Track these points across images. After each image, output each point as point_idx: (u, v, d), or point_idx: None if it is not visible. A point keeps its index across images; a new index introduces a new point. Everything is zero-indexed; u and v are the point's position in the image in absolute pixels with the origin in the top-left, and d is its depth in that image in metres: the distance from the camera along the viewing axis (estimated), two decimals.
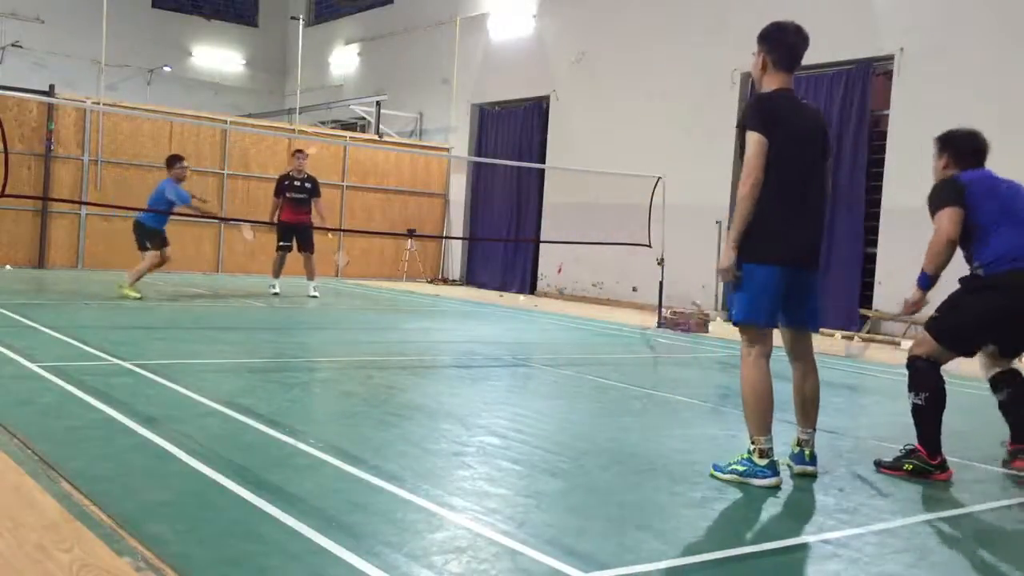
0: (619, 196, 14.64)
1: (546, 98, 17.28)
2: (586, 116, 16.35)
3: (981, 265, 4.80)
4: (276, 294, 12.89)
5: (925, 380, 4.72)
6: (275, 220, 12.90)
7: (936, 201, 4.85)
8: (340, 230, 17.67)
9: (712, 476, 4.21)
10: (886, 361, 9.64)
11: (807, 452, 4.41)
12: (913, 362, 4.80)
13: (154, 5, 24.13)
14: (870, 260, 12.54)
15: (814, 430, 4.45)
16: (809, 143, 4.32)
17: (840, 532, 3.50)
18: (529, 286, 17.53)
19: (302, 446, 4.27)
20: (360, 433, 4.78)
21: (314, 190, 12.94)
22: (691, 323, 11.55)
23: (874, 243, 12.41)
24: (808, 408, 4.43)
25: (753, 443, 4.13)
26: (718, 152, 14.17)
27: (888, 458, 4.73)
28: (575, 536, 3.28)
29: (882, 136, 12.44)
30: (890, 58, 12.18)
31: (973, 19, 11.42)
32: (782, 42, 4.48)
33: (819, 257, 4.38)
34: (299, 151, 13.25)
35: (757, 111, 4.26)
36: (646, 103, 15.25)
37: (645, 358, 9.29)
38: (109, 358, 6.44)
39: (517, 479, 4.01)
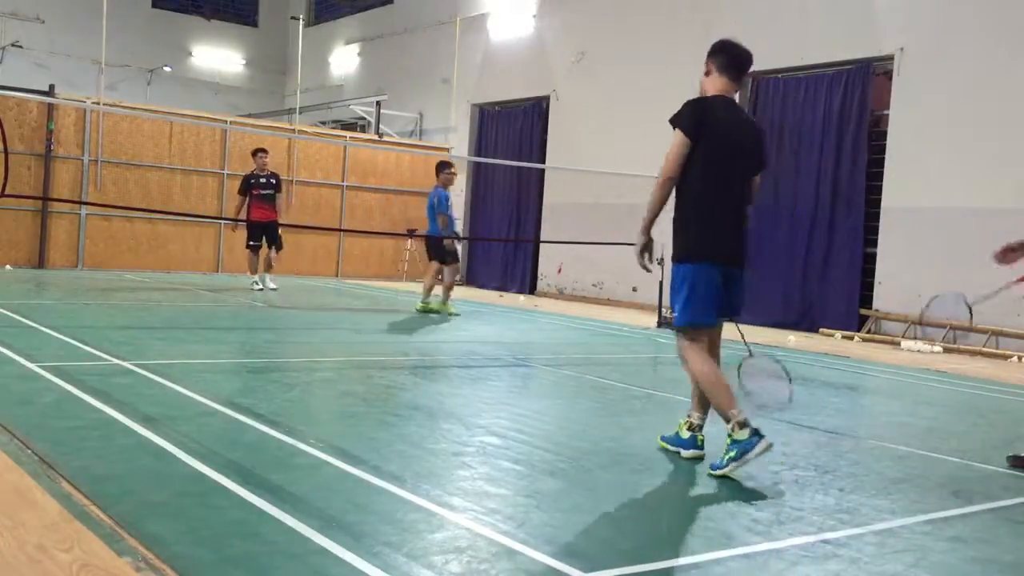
0: (619, 196, 14.65)
1: (546, 98, 17.28)
2: (586, 116, 16.35)
3: None
4: (260, 290, 13.19)
5: None
6: (245, 218, 13.24)
7: None
8: (340, 230, 17.68)
9: (711, 475, 4.23)
10: (886, 361, 9.64)
11: (699, 438, 4.56)
12: None
13: (154, 5, 24.14)
14: (870, 260, 12.54)
15: (707, 416, 4.58)
16: (743, 150, 4.49)
17: (840, 532, 3.50)
18: (529, 286, 17.53)
19: (302, 446, 4.27)
20: (360, 433, 4.78)
21: (278, 186, 13.47)
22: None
23: (874, 243, 12.41)
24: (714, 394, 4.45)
25: (730, 420, 4.20)
26: None
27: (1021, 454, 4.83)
28: (575, 536, 3.27)
29: (882, 136, 12.44)
30: (890, 58, 12.18)
31: (973, 19, 11.42)
32: (728, 50, 4.60)
33: (746, 257, 4.56)
34: (260, 150, 13.65)
35: (690, 113, 4.41)
36: (646, 103, 15.24)
37: (645, 358, 9.29)
38: (109, 358, 6.44)
39: (517, 479, 4.01)
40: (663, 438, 4.74)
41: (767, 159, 4.64)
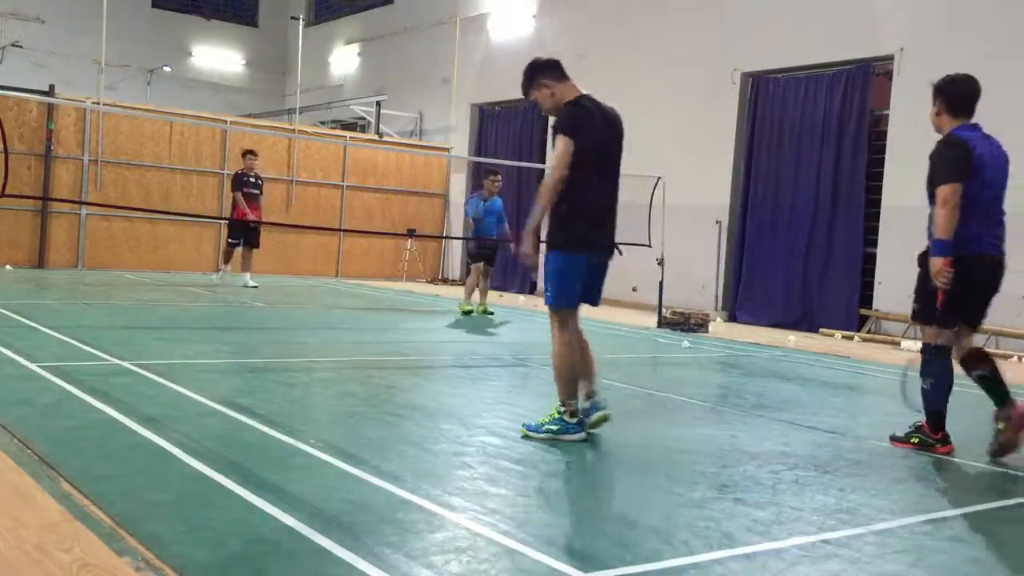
0: (619, 196, 14.61)
1: None
2: None
3: None
4: (255, 286, 13.53)
5: (930, 368, 5.12)
6: (230, 216, 13.72)
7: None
8: (340, 230, 17.68)
9: (526, 437, 4.67)
10: (886, 361, 9.64)
11: (598, 399, 4.87)
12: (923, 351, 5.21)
13: (154, 5, 24.14)
14: (870, 260, 12.54)
15: (594, 386, 4.93)
16: (612, 144, 4.90)
17: (840, 532, 3.50)
18: (529, 286, 17.53)
19: (302, 446, 4.27)
20: (360, 433, 4.78)
21: (260, 185, 13.88)
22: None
23: (874, 243, 12.41)
24: (590, 367, 4.94)
25: (564, 405, 4.71)
26: (718, 152, 14.18)
27: (900, 434, 5.24)
28: (575, 536, 3.28)
29: (882, 136, 12.44)
30: (890, 58, 12.18)
31: (973, 19, 11.42)
32: (547, 63, 5.04)
33: (613, 247, 4.99)
34: (250, 152, 13.97)
35: (570, 116, 4.75)
36: (646, 103, 15.23)
37: (645, 358, 9.29)
38: (109, 358, 6.44)
39: (517, 479, 4.01)
40: (529, 428, 4.81)
41: (622, 147, 5.01)
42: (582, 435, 4.70)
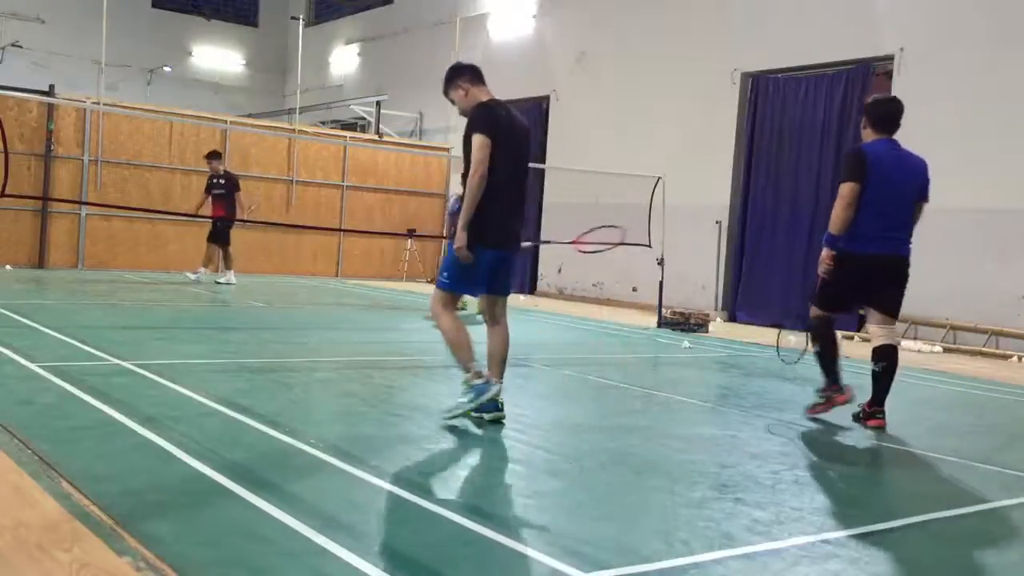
0: (619, 196, 14.64)
1: (546, 98, 17.28)
2: (586, 116, 16.35)
3: None
4: (226, 283, 13.84)
5: (817, 339, 5.85)
6: (198, 213, 14.00)
7: None
8: (340, 230, 17.67)
9: (450, 424, 4.85)
10: None
11: (499, 402, 5.01)
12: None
13: (154, 5, 24.14)
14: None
15: (502, 381, 5.11)
16: (519, 145, 5.15)
17: (840, 532, 3.50)
18: (529, 286, 17.53)
19: (302, 446, 4.27)
20: (360, 433, 4.78)
21: (230, 185, 14.02)
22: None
23: None
24: (499, 363, 5.16)
25: (468, 370, 4.98)
26: (718, 152, 14.18)
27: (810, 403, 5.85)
28: (575, 536, 3.27)
29: None
30: (890, 58, 12.18)
31: (973, 19, 11.42)
32: (466, 66, 5.44)
33: (520, 240, 5.29)
34: (210, 154, 14.30)
35: (484, 117, 5.03)
36: (646, 103, 15.25)
37: (645, 358, 9.29)
38: (109, 358, 6.44)
39: (517, 479, 4.01)
40: (449, 415, 5.04)
41: (533, 148, 5.28)
42: (496, 389, 4.96)
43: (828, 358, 5.85)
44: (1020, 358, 10.44)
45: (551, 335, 10.63)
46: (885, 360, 5.72)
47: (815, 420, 5.89)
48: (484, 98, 5.21)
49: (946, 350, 11.00)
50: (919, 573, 3.13)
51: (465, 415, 4.92)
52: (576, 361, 8.27)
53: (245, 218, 14.03)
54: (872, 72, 12.46)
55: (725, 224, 14.23)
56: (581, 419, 5.54)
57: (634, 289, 15.21)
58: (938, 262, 11.68)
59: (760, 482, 4.17)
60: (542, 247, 17.30)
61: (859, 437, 5.54)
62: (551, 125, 17.24)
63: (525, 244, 5.97)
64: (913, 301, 11.74)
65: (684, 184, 13.40)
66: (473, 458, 4.30)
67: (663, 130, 14.82)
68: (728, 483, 4.13)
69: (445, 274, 5.14)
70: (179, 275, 14.92)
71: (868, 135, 5.79)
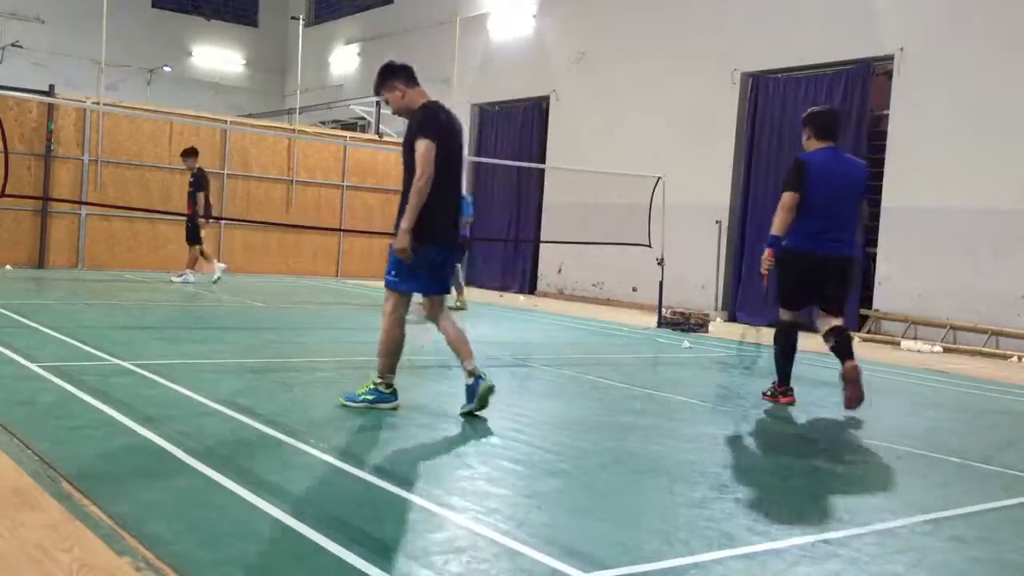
0: (619, 196, 14.65)
1: (546, 98, 17.28)
2: (586, 116, 16.35)
3: None
4: (182, 280, 13.81)
5: (777, 338, 6.39)
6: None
7: None
8: (340, 230, 17.65)
9: (343, 406, 5.18)
10: (886, 361, 9.64)
11: (479, 372, 5.17)
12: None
13: (154, 5, 24.13)
14: (870, 260, 12.54)
15: (472, 357, 5.22)
16: (456, 144, 5.28)
17: (840, 532, 3.50)
18: (529, 286, 17.53)
19: (302, 446, 4.27)
20: (360, 433, 4.78)
21: (195, 183, 13.74)
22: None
23: (874, 243, 12.41)
24: (460, 347, 5.27)
25: (382, 378, 5.21)
26: (718, 152, 14.18)
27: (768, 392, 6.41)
28: (575, 536, 3.27)
29: (882, 136, 12.44)
30: (890, 58, 12.18)
31: (973, 19, 11.42)
32: (400, 67, 5.35)
33: (459, 239, 5.49)
34: (184, 151, 14.15)
35: (429, 121, 5.13)
36: (646, 103, 15.25)
37: (645, 358, 9.29)
38: (109, 358, 6.44)
39: (517, 479, 4.01)
40: (347, 398, 5.29)
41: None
42: (395, 403, 5.22)
43: (784, 359, 6.31)
44: (1020, 358, 10.44)
45: (551, 335, 10.63)
46: (836, 336, 6.09)
47: (814, 420, 5.89)
48: (423, 100, 5.28)
49: (946, 350, 11.00)
50: (919, 573, 3.13)
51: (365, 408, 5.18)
52: (576, 361, 8.27)
53: (203, 215, 13.72)
54: (872, 72, 12.46)
55: (725, 224, 14.23)
56: (581, 419, 5.54)
57: (634, 289, 15.21)
58: (938, 262, 11.69)
59: (760, 482, 4.17)
60: (542, 247, 17.31)
61: (858, 437, 5.54)
62: (551, 125, 17.25)
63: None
64: (913, 301, 11.82)
65: (684, 184, 13.41)
66: (473, 458, 4.31)
67: (663, 130, 14.81)
68: (728, 483, 4.13)
69: (392, 272, 5.28)
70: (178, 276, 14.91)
71: (811, 144, 6.20)
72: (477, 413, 5.18)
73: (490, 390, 5.17)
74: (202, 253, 14.05)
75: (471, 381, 5.17)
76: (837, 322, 6.13)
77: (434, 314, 5.43)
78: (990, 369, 9.56)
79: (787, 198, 6.02)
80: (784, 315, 6.32)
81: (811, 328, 6.45)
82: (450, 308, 11.86)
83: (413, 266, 5.16)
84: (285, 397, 5.58)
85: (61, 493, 3.33)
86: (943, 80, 11.54)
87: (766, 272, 6.08)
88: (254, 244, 16.96)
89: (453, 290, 12.11)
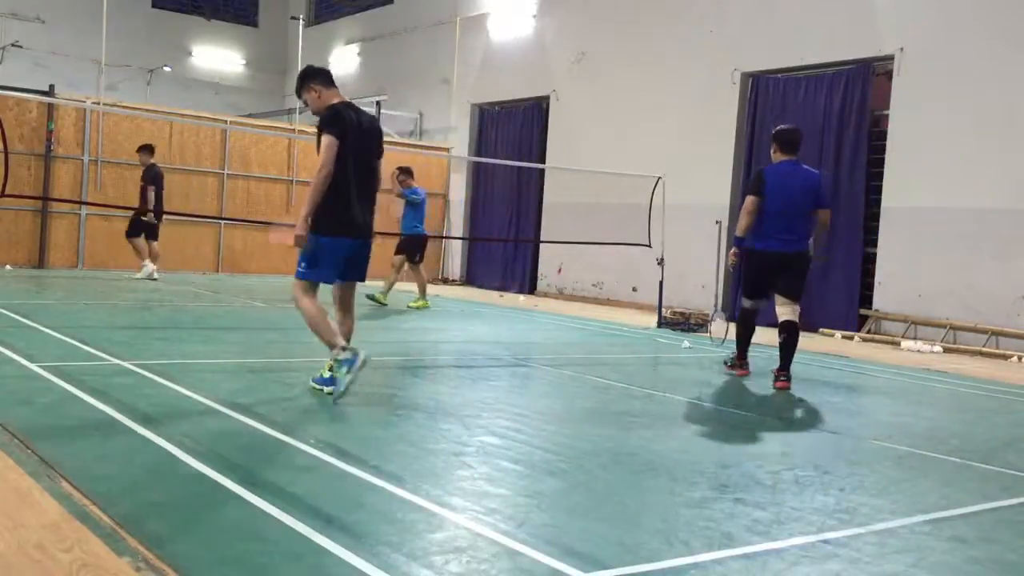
0: (619, 196, 14.64)
1: (546, 98, 17.28)
2: (586, 116, 16.35)
3: None
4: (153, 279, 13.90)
5: (739, 319, 7.63)
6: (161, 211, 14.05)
7: None
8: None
9: (314, 390, 5.49)
10: (886, 361, 9.64)
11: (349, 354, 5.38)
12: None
13: (154, 5, 24.11)
14: (870, 260, 12.54)
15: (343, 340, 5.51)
16: (368, 142, 5.69)
17: (840, 532, 3.50)
18: (529, 286, 17.52)
19: (302, 446, 4.27)
20: (360, 433, 4.78)
21: (145, 178, 13.87)
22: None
23: (874, 243, 12.41)
24: (350, 332, 5.73)
25: (333, 346, 5.41)
26: (718, 152, 14.17)
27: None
28: (575, 536, 3.28)
29: (882, 136, 12.44)
30: (890, 58, 12.18)
31: (973, 19, 11.42)
32: (318, 70, 5.89)
33: (372, 230, 5.79)
34: (140, 146, 14.19)
35: (332, 118, 5.50)
36: (646, 103, 15.25)
37: (645, 358, 9.29)
38: (109, 358, 6.44)
39: (517, 479, 4.01)
40: (314, 380, 5.62)
41: (382, 147, 5.96)
42: (363, 357, 5.34)
43: (743, 341, 7.52)
44: (1020, 358, 10.43)
45: (551, 335, 10.63)
46: (787, 332, 7.04)
47: (814, 420, 5.89)
48: (334, 100, 5.64)
49: (946, 350, 11.00)
50: (919, 573, 3.13)
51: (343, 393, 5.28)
52: (576, 361, 8.27)
53: (152, 210, 13.78)
54: (872, 72, 12.46)
55: (725, 224, 14.22)
56: (581, 419, 5.54)
57: (634, 289, 15.21)
58: (938, 262, 11.69)
59: (760, 482, 4.17)
60: (542, 247, 17.31)
61: (858, 437, 5.54)
62: (551, 125, 17.24)
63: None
64: (913, 301, 11.82)
65: (684, 184, 13.40)
66: (473, 458, 4.31)
67: (663, 130, 14.81)
68: (728, 483, 4.13)
69: (303, 264, 5.54)
70: (176, 275, 14.92)
71: (777, 156, 7.22)
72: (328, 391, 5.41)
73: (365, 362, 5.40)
74: (141, 246, 14.03)
75: (345, 356, 5.36)
76: (790, 311, 7.08)
77: (343, 304, 5.77)
78: (990, 369, 9.56)
79: (748, 202, 7.11)
80: (746, 303, 7.46)
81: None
82: (411, 307, 12.16)
83: (319, 256, 5.46)
84: (285, 397, 5.58)
85: (61, 493, 3.33)
86: (943, 80, 11.54)
87: (730, 269, 7.44)
88: (254, 244, 16.95)
89: (416, 289, 12.32)
